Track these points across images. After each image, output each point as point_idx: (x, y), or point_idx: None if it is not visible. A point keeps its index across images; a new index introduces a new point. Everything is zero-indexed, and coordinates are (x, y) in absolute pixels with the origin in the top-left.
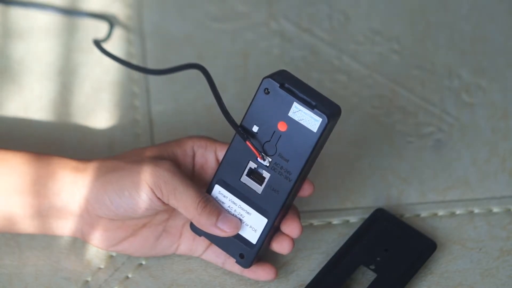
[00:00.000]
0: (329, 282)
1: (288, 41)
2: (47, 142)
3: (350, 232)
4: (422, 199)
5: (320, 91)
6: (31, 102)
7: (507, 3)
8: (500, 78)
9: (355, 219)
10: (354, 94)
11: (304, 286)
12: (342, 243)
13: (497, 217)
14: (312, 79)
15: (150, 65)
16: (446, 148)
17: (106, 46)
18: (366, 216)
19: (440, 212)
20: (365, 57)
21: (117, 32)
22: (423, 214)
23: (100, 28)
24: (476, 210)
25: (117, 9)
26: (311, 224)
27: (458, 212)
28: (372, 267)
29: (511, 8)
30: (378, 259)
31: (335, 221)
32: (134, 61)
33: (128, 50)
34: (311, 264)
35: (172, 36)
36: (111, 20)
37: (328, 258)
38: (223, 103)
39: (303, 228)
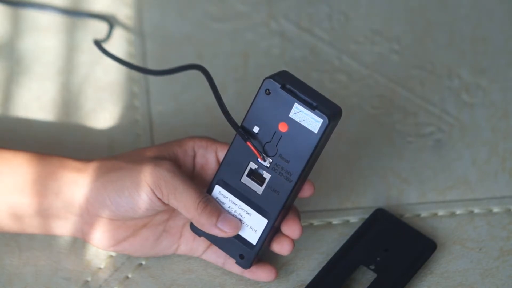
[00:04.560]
0: (329, 282)
1: (288, 41)
2: (47, 142)
3: (350, 232)
4: (422, 199)
5: (320, 91)
6: (31, 102)
7: (507, 3)
8: (500, 78)
9: (355, 219)
10: (354, 94)
11: (304, 286)
12: (342, 243)
13: (497, 217)
14: (312, 79)
15: (150, 65)
16: (446, 148)
17: (106, 46)
18: (366, 216)
19: (440, 212)
20: (365, 57)
21: (117, 32)
22: (423, 214)
23: (100, 28)
24: (476, 210)
25: (117, 9)
26: (311, 224)
27: (458, 212)
28: (372, 267)
29: (511, 8)
30: (378, 259)
31: (335, 221)
32: (134, 61)
33: (128, 50)
34: (311, 264)
35: (172, 36)
36: (111, 20)
37: (328, 258)
38: (223, 104)
39: (303, 228)
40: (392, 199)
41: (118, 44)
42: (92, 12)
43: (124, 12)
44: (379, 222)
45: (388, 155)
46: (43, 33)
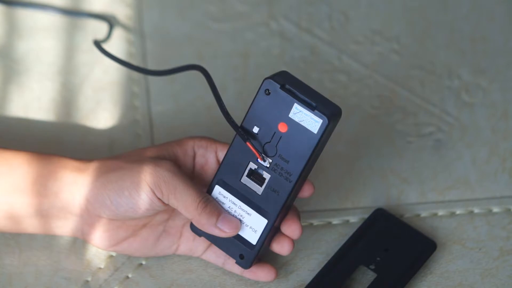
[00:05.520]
0: (329, 282)
1: (288, 41)
2: (47, 142)
3: (350, 232)
4: (422, 199)
5: (320, 91)
6: (31, 102)
7: (507, 3)
8: (500, 78)
9: (355, 219)
10: (354, 94)
11: (304, 286)
12: (342, 243)
13: (497, 217)
14: (312, 79)
15: (150, 65)
16: (446, 148)
17: (106, 46)
18: (366, 216)
19: (440, 212)
20: (365, 57)
21: (117, 32)
22: (423, 214)
23: (100, 28)
24: (476, 210)
25: (117, 9)
26: (311, 224)
27: (458, 212)
28: (372, 267)
29: (511, 8)
30: (378, 259)
31: (335, 221)
32: (134, 61)
33: (128, 50)
34: (311, 264)
35: (172, 36)
36: (111, 20)
37: (328, 258)
38: (223, 104)
39: (303, 228)
40: (392, 199)
41: (118, 44)
42: (92, 12)
43: (124, 12)
44: (379, 222)
45: (388, 155)
46: (43, 33)
